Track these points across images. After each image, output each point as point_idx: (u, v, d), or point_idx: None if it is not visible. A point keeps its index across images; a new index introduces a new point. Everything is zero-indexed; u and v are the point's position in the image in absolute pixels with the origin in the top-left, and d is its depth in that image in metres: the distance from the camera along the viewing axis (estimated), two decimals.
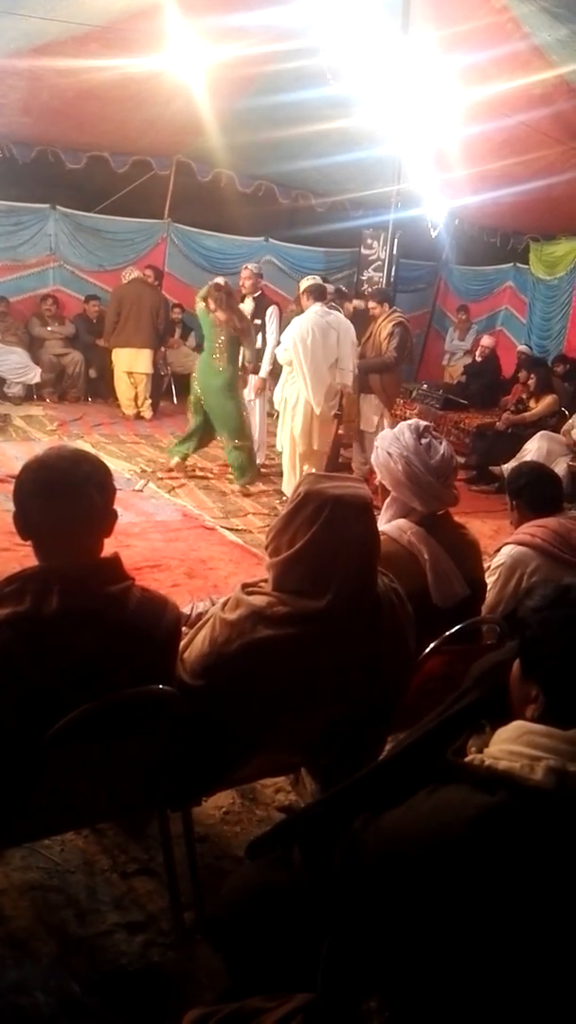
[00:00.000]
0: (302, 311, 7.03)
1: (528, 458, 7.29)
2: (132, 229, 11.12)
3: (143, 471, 7.66)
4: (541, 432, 8.16)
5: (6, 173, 9.79)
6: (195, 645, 2.25)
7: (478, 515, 6.85)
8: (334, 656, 2.19)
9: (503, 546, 3.33)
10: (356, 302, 9.55)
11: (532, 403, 9.18)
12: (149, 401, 10.23)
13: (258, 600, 2.16)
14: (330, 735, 2.40)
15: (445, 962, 1.35)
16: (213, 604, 2.44)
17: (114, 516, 2.08)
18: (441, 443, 2.96)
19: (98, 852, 2.75)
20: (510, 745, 1.40)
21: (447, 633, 2.58)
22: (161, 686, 2.06)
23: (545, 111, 7.34)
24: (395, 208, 9.05)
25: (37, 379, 10.16)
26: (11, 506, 2.01)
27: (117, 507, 2.10)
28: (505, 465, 7.79)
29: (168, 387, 11.23)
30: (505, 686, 1.55)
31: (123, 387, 10.20)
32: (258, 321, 7.55)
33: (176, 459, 7.63)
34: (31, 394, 10.25)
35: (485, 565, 3.18)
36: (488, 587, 3.15)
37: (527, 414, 9.08)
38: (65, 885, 2.59)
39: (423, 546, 2.80)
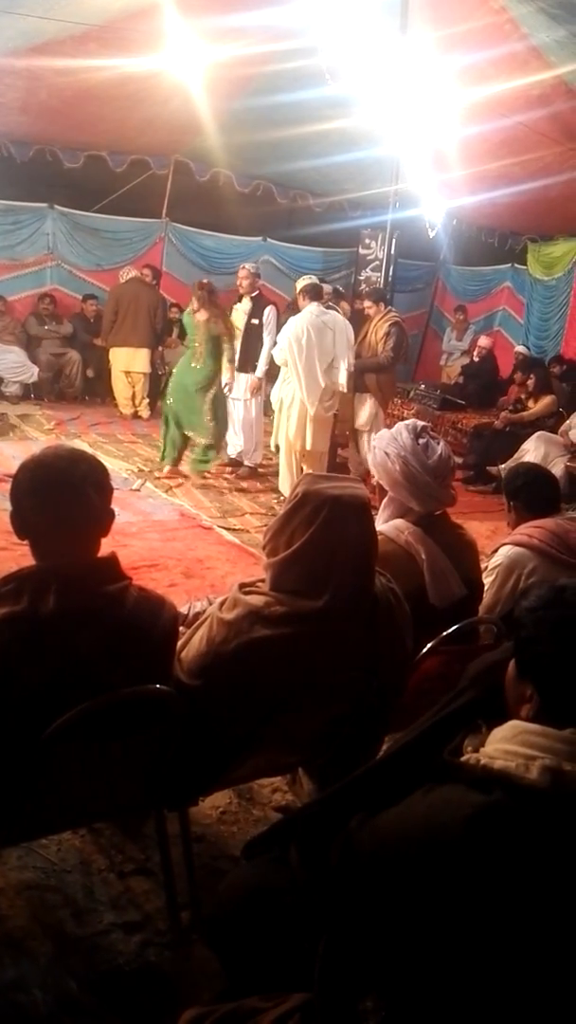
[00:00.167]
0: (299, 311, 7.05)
1: (525, 459, 7.30)
2: (130, 228, 11.11)
3: (140, 470, 7.67)
4: (538, 433, 8.17)
5: (4, 172, 9.79)
6: (192, 645, 2.25)
7: (475, 515, 6.86)
8: (331, 656, 2.19)
9: (500, 547, 3.33)
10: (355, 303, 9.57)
11: (531, 403, 9.19)
12: (146, 400, 10.23)
13: (255, 600, 2.17)
14: (327, 735, 2.40)
15: (441, 961, 1.36)
16: (210, 604, 2.44)
17: (111, 515, 2.08)
18: (439, 443, 2.96)
19: (95, 852, 2.74)
20: (506, 744, 1.41)
21: (444, 633, 2.58)
22: (158, 686, 2.06)
23: (543, 112, 7.35)
24: (393, 208, 9.05)
25: (34, 378, 10.16)
26: (8, 505, 2.01)
27: (114, 506, 2.10)
28: (502, 465, 7.80)
29: (165, 386, 11.19)
30: (501, 686, 1.56)
31: (120, 386, 10.20)
32: (255, 321, 7.55)
33: (168, 467, 7.65)
34: (28, 393, 10.25)
35: (482, 565, 3.18)
36: (485, 588, 3.15)
37: (525, 413, 9.10)
38: (62, 885, 2.59)
39: (420, 546, 2.80)
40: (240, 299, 7.73)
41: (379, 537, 2.43)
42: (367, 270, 12.28)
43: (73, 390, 10.58)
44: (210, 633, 2.19)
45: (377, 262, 11.69)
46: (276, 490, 7.44)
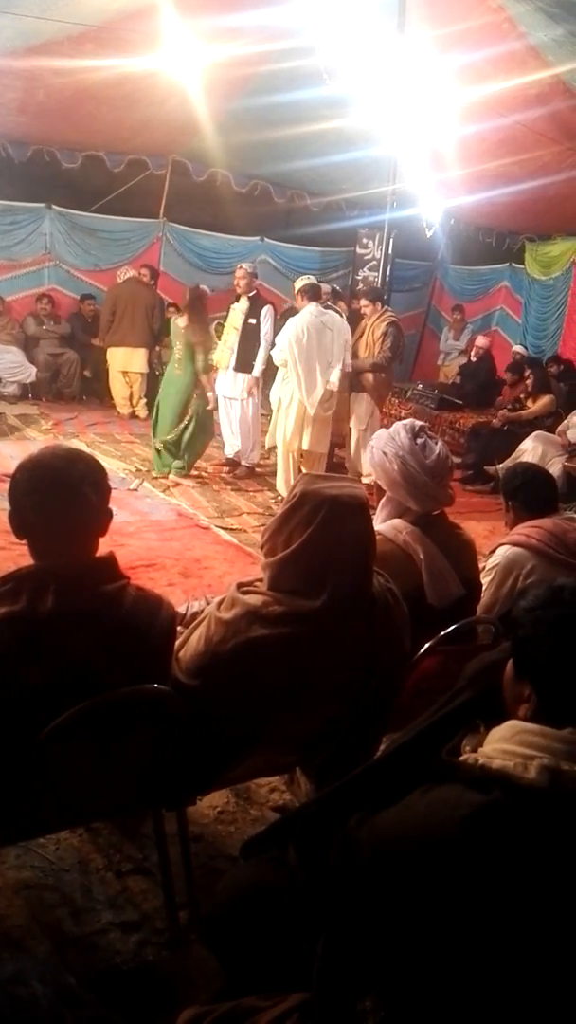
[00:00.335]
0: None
1: (523, 459, 7.30)
2: (127, 228, 11.10)
3: (138, 470, 7.66)
4: (536, 433, 8.18)
5: (2, 172, 9.79)
6: (190, 644, 2.25)
7: (473, 515, 6.86)
8: (329, 656, 2.19)
9: (498, 546, 3.33)
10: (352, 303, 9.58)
11: (529, 403, 9.20)
12: (144, 400, 10.22)
13: (253, 599, 2.17)
14: (325, 734, 2.40)
15: (440, 961, 1.36)
16: (208, 603, 2.44)
17: (109, 515, 2.07)
18: (437, 443, 2.96)
19: (93, 851, 2.75)
20: (504, 744, 1.41)
21: (442, 633, 2.58)
22: (156, 685, 2.06)
23: (541, 111, 7.35)
24: (391, 208, 9.05)
25: (32, 378, 10.16)
26: (6, 505, 2.01)
27: (112, 506, 2.09)
28: (500, 465, 7.80)
29: None
30: (499, 686, 1.56)
31: (118, 386, 10.20)
32: (253, 320, 7.55)
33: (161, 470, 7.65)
34: (26, 393, 10.25)
35: (480, 565, 3.18)
36: (483, 587, 3.15)
37: (524, 413, 9.11)
38: (60, 884, 2.59)
39: (418, 546, 2.80)
40: (237, 299, 7.72)
41: (377, 537, 2.43)
42: (364, 270, 12.28)
43: (71, 390, 10.57)
44: (208, 633, 2.19)
45: (374, 262, 11.69)
46: (274, 490, 7.45)
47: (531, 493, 3.39)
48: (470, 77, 7.09)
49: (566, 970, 1.31)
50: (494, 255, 12.84)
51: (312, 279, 7.34)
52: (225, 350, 7.67)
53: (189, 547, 5.86)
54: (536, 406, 9.08)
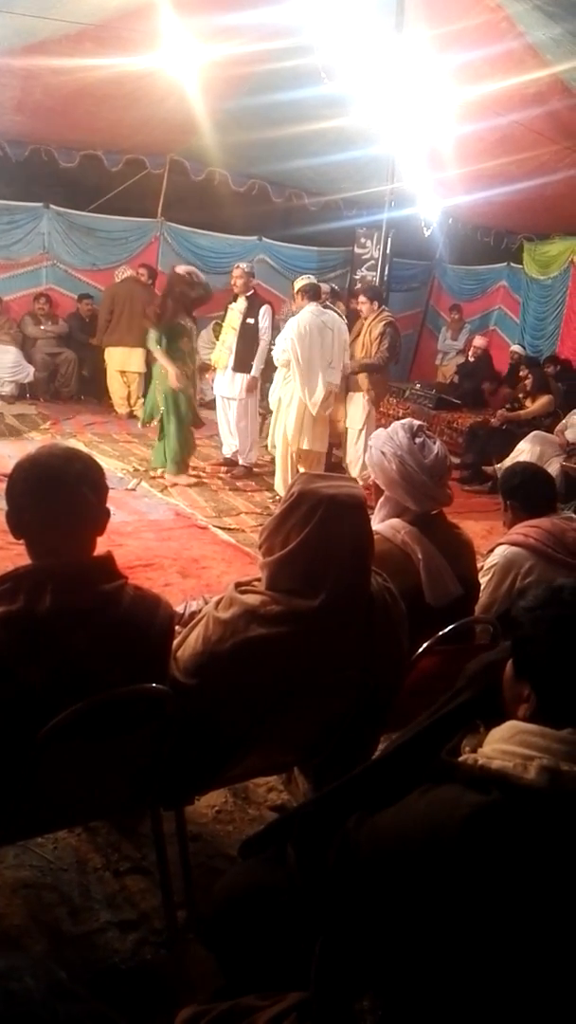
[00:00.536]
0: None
1: (521, 459, 7.30)
2: (125, 228, 11.09)
3: (136, 470, 7.65)
4: (534, 433, 8.18)
5: None
6: (188, 644, 2.25)
7: (471, 515, 6.86)
8: (327, 655, 2.19)
9: (497, 546, 3.33)
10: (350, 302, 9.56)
11: (528, 402, 9.20)
12: (142, 400, 10.19)
13: (251, 599, 2.16)
14: (323, 734, 2.40)
15: (439, 961, 1.36)
16: (206, 603, 2.44)
17: (107, 515, 2.07)
18: (435, 442, 2.96)
19: (91, 850, 2.74)
20: (503, 745, 1.41)
21: (440, 633, 2.58)
22: (154, 685, 2.05)
23: (539, 110, 7.33)
24: (389, 207, 9.06)
25: (30, 378, 10.15)
26: (3, 504, 2.01)
27: (110, 506, 2.09)
28: (498, 465, 7.80)
29: None
30: (498, 686, 1.56)
31: (116, 386, 10.20)
32: (250, 320, 7.54)
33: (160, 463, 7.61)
34: (24, 393, 10.24)
35: (479, 565, 3.18)
36: (482, 587, 3.15)
37: (522, 412, 9.11)
38: (58, 883, 2.59)
39: (417, 545, 2.80)
40: (235, 298, 7.71)
41: (375, 536, 2.43)
42: (363, 269, 12.27)
43: (68, 389, 10.56)
44: (206, 632, 2.19)
45: (373, 261, 11.69)
46: (271, 489, 7.45)
47: (529, 493, 3.40)
48: (468, 76, 7.08)
49: (565, 970, 1.31)
50: (492, 255, 12.84)
51: (312, 279, 7.34)
52: (223, 350, 7.65)
53: (187, 547, 5.85)
54: (534, 406, 9.08)
